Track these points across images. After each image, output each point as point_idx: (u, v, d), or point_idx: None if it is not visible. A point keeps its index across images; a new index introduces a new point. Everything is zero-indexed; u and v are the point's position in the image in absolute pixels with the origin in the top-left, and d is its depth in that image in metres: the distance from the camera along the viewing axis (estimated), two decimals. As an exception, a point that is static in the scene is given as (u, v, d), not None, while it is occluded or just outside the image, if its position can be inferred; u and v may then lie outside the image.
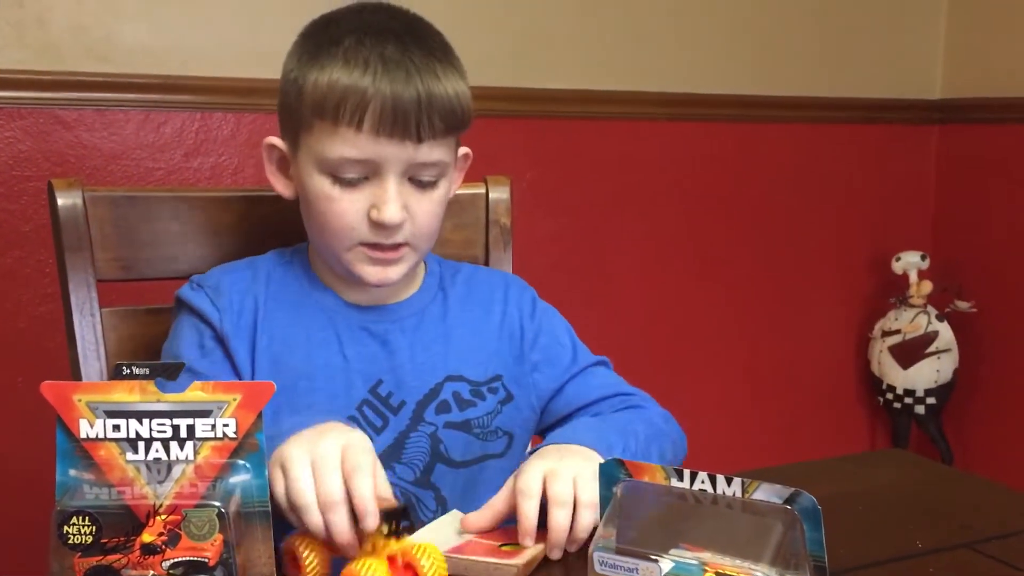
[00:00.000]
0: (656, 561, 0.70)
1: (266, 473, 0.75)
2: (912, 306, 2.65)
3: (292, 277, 1.12)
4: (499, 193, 1.33)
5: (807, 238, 2.70)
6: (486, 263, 1.33)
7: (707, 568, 0.70)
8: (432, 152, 1.03)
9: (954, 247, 2.77)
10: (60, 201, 1.13)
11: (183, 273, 1.16)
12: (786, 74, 2.59)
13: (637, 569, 0.70)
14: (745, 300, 2.64)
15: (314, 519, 0.80)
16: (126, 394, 0.73)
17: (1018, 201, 2.60)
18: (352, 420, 1.06)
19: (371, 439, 1.05)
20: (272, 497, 0.80)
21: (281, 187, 1.10)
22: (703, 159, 2.53)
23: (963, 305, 2.66)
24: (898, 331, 2.65)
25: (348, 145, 1.00)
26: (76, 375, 1.13)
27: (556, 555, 0.88)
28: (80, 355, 1.13)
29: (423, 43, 1.04)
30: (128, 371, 0.73)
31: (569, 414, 1.15)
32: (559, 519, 0.87)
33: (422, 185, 1.04)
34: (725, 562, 0.69)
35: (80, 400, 0.73)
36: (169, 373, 0.75)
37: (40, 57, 1.89)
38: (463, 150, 1.13)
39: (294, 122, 1.05)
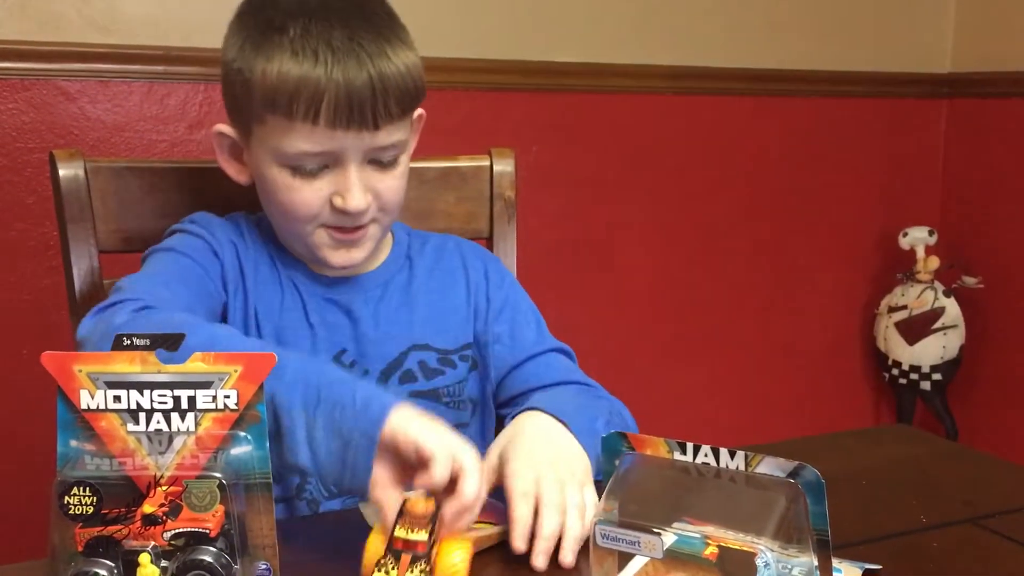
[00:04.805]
0: (659, 534, 0.69)
1: (266, 445, 0.75)
2: (919, 282, 2.64)
3: (264, 240, 1.12)
4: (504, 166, 1.32)
5: (814, 213, 2.69)
6: (490, 237, 1.32)
7: (709, 541, 0.69)
8: (391, 135, 1.01)
9: (962, 223, 2.76)
10: (62, 172, 1.12)
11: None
12: (795, 47, 2.57)
13: (639, 542, 0.70)
14: (751, 275, 2.63)
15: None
16: (127, 365, 0.73)
17: (1027, 177, 2.59)
18: None
19: None
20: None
21: (234, 172, 1.09)
22: (711, 133, 2.52)
23: (970, 281, 2.65)
24: (904, 307, 2.64)
25: (305, 139, 0.98)
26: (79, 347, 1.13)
27: (541, 564, 0.83)
28: (82, 326, 1.13)
29: (370, 22, 1.00)
30: (129, 342, 0.73)
31: (523, 393, 1.12)
32: (550, 523, 0.84)
33: (383, 165, 1.03)
34: (728, 535, 0.69)
35: (81, 371, 0.72)
36: (170, 344, 0.74)
37: (43, 28, 1.88)
38: (417, 112, 1.09)
39: (244, 114, 1.02)
